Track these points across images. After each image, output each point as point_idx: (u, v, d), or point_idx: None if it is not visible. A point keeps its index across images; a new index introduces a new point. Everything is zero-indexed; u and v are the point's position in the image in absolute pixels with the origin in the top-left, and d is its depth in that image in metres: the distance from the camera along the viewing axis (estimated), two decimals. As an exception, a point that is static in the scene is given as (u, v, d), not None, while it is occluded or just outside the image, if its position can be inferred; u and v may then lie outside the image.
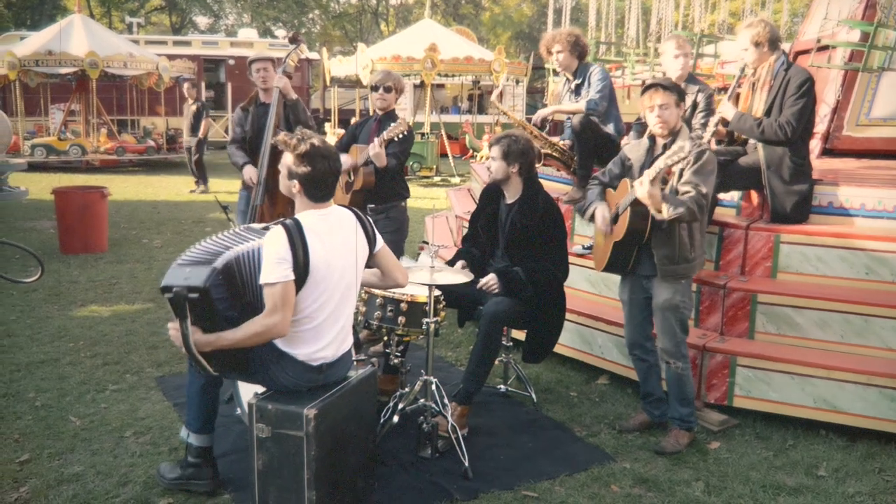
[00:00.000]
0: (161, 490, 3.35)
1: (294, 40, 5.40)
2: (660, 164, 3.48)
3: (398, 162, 4.94)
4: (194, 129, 13.52)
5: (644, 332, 4.01)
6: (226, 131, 20.06)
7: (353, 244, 3.15)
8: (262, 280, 2.91)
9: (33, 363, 4.88)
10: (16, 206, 11.19)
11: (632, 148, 4.00)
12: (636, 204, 3.64)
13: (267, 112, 5.36)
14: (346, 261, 3.11)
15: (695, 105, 4.83)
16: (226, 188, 13.15)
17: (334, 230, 3.09)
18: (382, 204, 5.00)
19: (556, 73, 5.63)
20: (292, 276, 2.90)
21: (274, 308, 2.89)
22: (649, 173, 3.52)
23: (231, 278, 3.01)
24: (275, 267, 2.89)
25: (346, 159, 4.96)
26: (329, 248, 3.03)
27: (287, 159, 3.06)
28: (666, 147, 3.74)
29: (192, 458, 3.34)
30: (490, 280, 4.01)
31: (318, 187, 3.07)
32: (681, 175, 3.67)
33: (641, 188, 3.52)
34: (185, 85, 13.90)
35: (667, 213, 3.53)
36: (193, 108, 13.53)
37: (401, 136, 4.75)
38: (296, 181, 3.04)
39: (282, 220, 3.03)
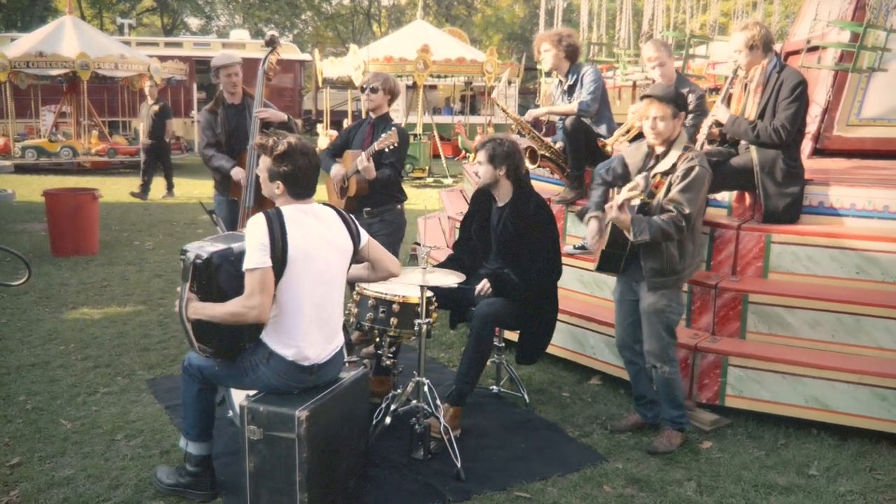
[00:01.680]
0: (153, 493, 3.33)
1: (270, 43, 5.34)
2: (623, 194, 3.54)
3: (394, 171, 4.91)
4: (156, 130, 12.73)
5: (633, 334, 4.00)
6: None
7: (334, 239, 3.17)
8: (244, 266, 2.96)
9: (24, 366, 4.86)
10: (6, 209, 11.14)
11: (632, 152, 3.99)
12: None
13: (238, 113, 5.28)
14: (327, 254, 3.12)
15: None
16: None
17: (315, 223, 3.12)
18: (378, 207, 4.97)
19: (548, 75, 5.64)
20: (269, 263, 2.94)
21: (252, 292, 2.94)
22: (617, 200, 3.57)
23: (238, 265, 3.06)
24: (255, 253, 2.94)
25: (337, 170, 4.95)
26: (309, 240, 3.05)
27: (266, 162, 3.09)
28: (659, 158, 3.77)
29: (190, 466, 3.31)
30: (484, 286, 4.02)
31: (301, 184, 3.10)
32: (669, 188, 3.67)
33: (611, 213, 3.59)
34: (147, 84, 13.30)
35: (632, 237, 3.60)
36: (156, 108, 12.73)
37: (391, 147, 4.70)
38: (279, 181, 3.08)
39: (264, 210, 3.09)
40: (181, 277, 3.08)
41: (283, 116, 5.19)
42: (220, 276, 3.05)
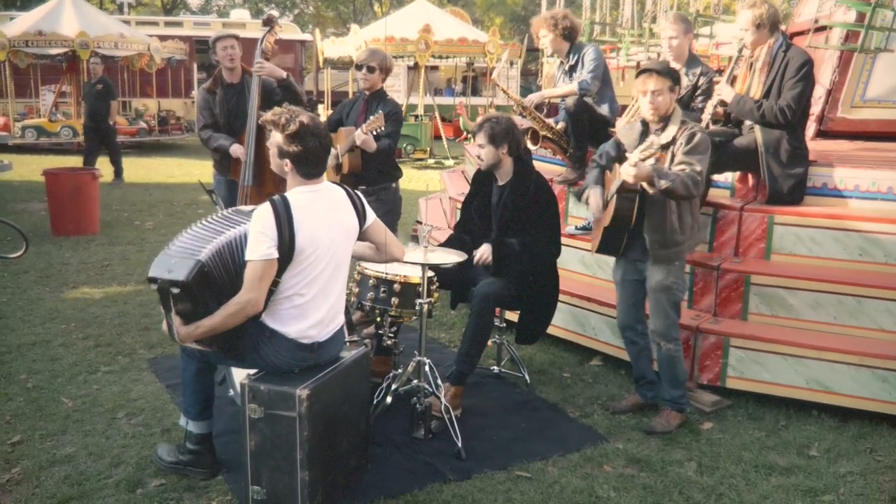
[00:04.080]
0: (154, 471, 3.34)
1: (268, 23, 5.29)
2: (635, 155, 3.46)
3: (392, 142, 4.90)
4: (99, 112, 11.78)
5: (635, 314, 4.00)
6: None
7: (342, 221, 3.14)
8: (247, 256, 2.91)
9: (25, 345, 4.86)
10: (6, 188, 11.12)
11: (625, 132, 3.98)
12: (622, 190, 3.67)
13: (237, 93, 5.22)
14: (334, 238, 3.09)
15: (696, 86, 4.79)
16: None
17: (323, 207, 3.07)
18: (373, 186, 4.93)
19: (551, 55, 5.58)
20: (275, 255, 2.90)
21: (252, 286, 2.90)
22: (632, 158, 3.50)
23: (218, 268, 2.98)
24: (259, 244, 2.89)
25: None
26: (317, 226, 3.01)
27: (277, 138, 3.03)
28: (656, 133, 3.74)
29: (191, 444, 3.32)
30: (484, 251, 4.01)
31: (310, 164, 3.04)
32: (672, 158, 3.67)
33: (628, 170, 3.49)
34: (92, 60, 12.71)
35: (656, 186, 3.50)
36: (99, 87, 11.83)
37: (377, 130, 4.69)
38: (287, 160, 3.02)
39: (270, 197, 3.02)
40: (161, 305, 2.97)
41: (283, 73, 5.13)
42: (200, 294, 2.95)
